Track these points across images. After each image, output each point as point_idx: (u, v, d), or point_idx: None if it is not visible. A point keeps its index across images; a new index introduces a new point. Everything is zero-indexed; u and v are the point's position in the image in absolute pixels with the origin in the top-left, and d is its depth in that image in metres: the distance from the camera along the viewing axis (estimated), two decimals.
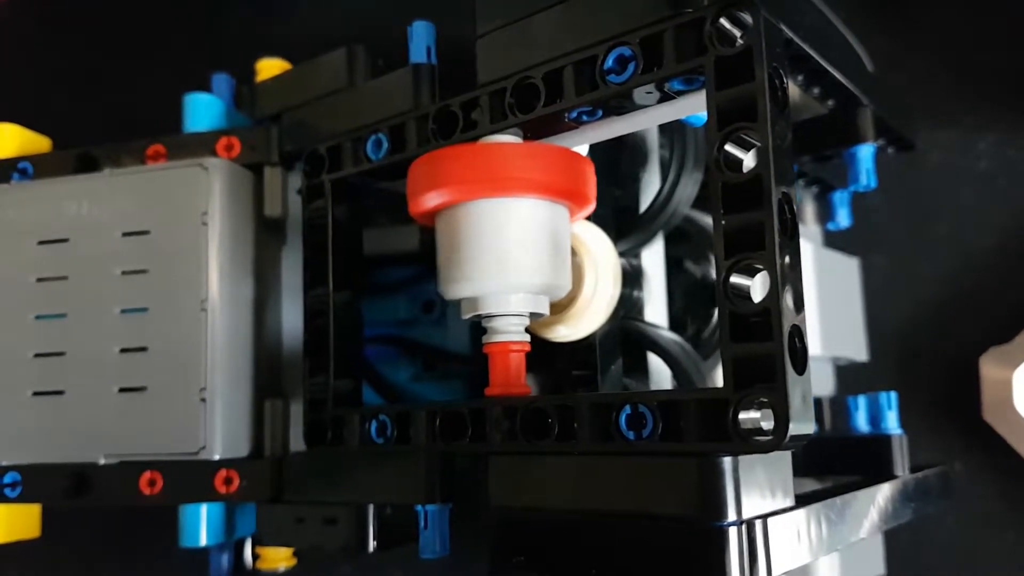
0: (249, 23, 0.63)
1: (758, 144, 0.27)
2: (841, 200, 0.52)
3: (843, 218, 0.52)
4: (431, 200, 0.34)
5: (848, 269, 0.52)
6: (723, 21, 0.28)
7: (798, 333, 0.26)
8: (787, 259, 0.27)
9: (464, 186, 0.33)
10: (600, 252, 0.37)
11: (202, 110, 0.46)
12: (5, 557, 0.62)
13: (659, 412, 0.28)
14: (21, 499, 0.43)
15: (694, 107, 0.32)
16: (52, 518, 0.48)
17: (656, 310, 0.41)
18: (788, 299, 0.26)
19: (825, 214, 0.54)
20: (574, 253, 0.36)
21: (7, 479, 0.44)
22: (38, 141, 0.50)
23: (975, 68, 0.61)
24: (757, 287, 0.27)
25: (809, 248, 0.47)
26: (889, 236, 0.57)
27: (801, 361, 0.26)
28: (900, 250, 0.57)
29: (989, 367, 0.54)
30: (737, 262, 0.27)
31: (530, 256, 0.34)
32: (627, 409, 0.28)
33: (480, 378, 0.47)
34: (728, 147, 0.28)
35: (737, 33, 0.28)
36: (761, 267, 0.27)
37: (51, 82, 0.68)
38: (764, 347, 0.26)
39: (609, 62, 0.31)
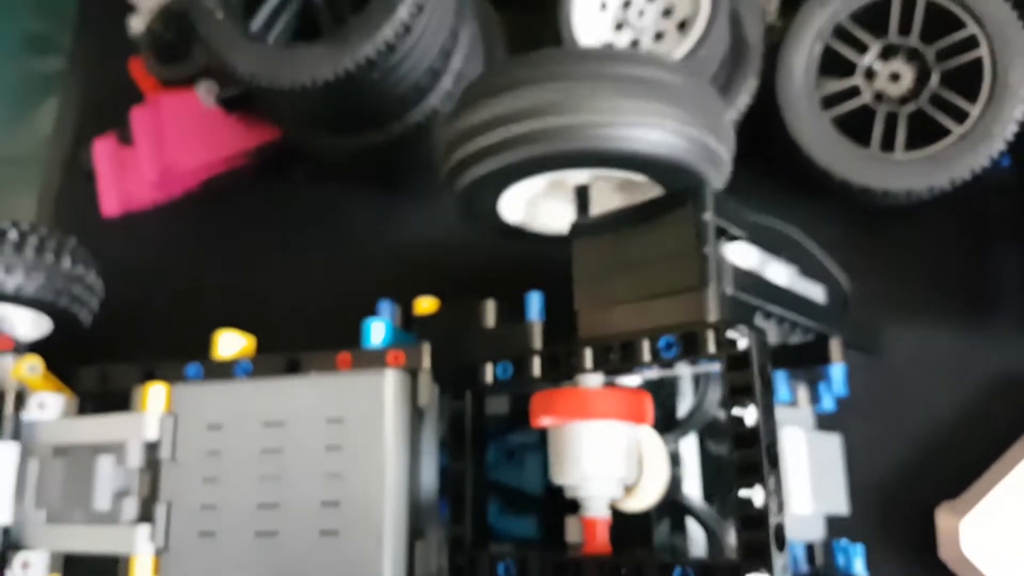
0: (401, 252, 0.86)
1: (754, 407, 0.47)
2: (825, 391, 0.70)
3: (828, 404, 0.71)
4: (546, 421, 0.54)
5: (833, 444, 0.70)
6: (731, 333, 0.48)
7: (779, 527, 0.45)
8: (772, 481, 0.46)
9: (569, 415, 0.53)
10: (655, 449, 0.56)
11: (377, 331, 0.66)
12: None
13: (699, 572, 0.46)
14: None
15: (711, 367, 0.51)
16: None
17: (692, 484, 0.60)
18: (773, 504, 0.45)
19: (815, 399, 0.72)
20: (639, 450, 0.56)
21: None
22: (249, 341, 0.71)
23: (931, 276, 0.80)
24: (757, 498, 0.45)
25: (802, 434, 0.66)
26: (866, 413, 0.75)
27: (781, 543, 0.45)
28: (874, 423, 0.75)
29: (943, 517, 0.72)
30: (743, 482, 0.46)
31: (611, 460, 0.53)
32: (678, 569, 0.47)
33: (549, 517, 0.65)
34: (735, 411, 0.47)
35: (740, 338, 0.48)
36: (759, 484, 0.46)
37: (258, 293, 0.90)
38: (760, 534, 0.45)
39: (662, 343, 0.51)
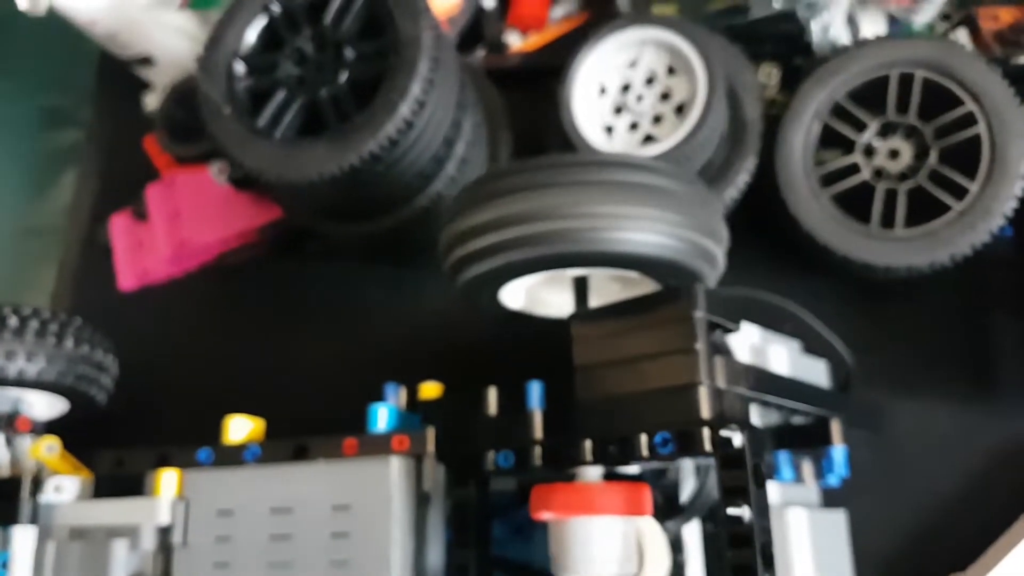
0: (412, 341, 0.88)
1: (749, 509, 0.48)
2: (829, 467, 0.71)
3: (833, 480, 0.71)
4: (546, 516, 0.55)
5: (837, 521, 0.71)
6: (724, 432, 0.49)
7: None
8: None
9: (568, 510, 0.54)
10: (655, 539, 0.56)
11: (381, 416, 0.67)
12: None
13: None
14: None
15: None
16: None
17: (695, 569, 0.60)
18: None
19: (820, 473, 0.73)
20: (639, 540, 0.56)
21: None
22: (257, 424, 0.72)
23: (934, 349, 0.81)
24: None
25: (805, 515, 0.66)
26: (870, 487, 0.76)
27: None
28: (879, 497, 0.76)
29: None
30: None
31: (610, 551, 0.53)
32: None
33: None
34: (729, 510, 0.48)
35: (734, 437, 0.49)
36: None
37: (267, 370, 0.92)
38: None
39: (658, 440, 0.52)
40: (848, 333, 0.73)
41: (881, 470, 0.77)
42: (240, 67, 0.70)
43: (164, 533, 0.67)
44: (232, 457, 0.68)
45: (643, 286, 0.60)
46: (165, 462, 0.69)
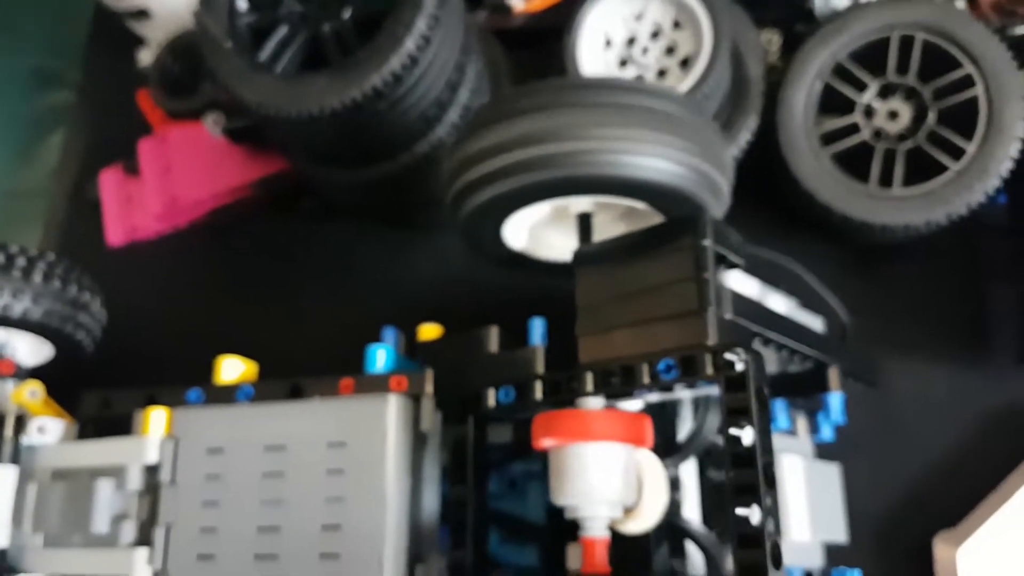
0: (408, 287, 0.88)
1: (751, 427, 0.47)
2: (824, 421, 0.71)
3: (827, 433, 0.71)
4: (547, 443, 0.55)
5: (832, 473, 0.71)
6: (728, 355, 0.49)
7: (776, 546, 0.45)
8: (769, 501, 0.46)
9: (570, 436, 0.54)
10: (654, 472, 0.56)
11: (379, 357, 0.66)
12: None
13: None
14: None
15: (710, 390, 0.52)
16: None
17: (691, 508, 0.60)
18: (771, 524, 0.46)
19: (814, 429, 0.73)
20: (638, 473, 0.56)
21: None
22: (250, 367, 0.71)
23: (929, 312, 0.81)
24: (754, 516, 0.46)
25: (801, 462, 0.66)
26: (864, 444, 0.76)
27: (777, 562, 0.45)
28: (873, 454, 0.76)
29: (940, 547, 0.72)
30: (740, 501, 0.46)
31: (610, 481, 0.53)
32: None
33: (552, 546, 0.65)
34: (732, 430, 0.47)
35: (737, 360, 0.49)
36: (755, 504, 0.46)
37: (262, 325, 0.91)
38: (757, 554, 0.45)
39: (661, 366, 0.52)
40: (845, 295, 0.73)
41: (875, 429, 0.77)
42: (242, 2, 0.69)
43: (151, 472, 0.66)
44: (224, 396, 0.67)
45: (646, 224, 0.60)
46: (153, 401, 0.68)
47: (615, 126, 0.51)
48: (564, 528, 0.59)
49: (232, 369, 0.69)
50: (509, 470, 0.71)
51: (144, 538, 0.65)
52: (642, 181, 0.53)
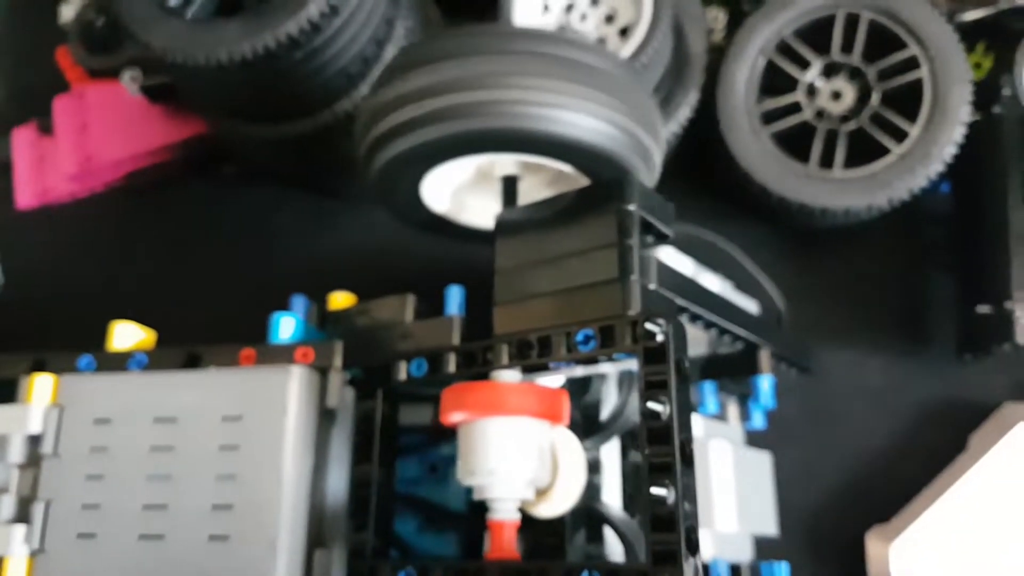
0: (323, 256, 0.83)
1: (668, 403, 0.44)
2: (756, 408, 0.68)
3: (757, 421, 0.68)
4: (456, 416, 0.51)
5: (762, 462, 0.68)
6: (648, 325, 0.45)
7: (692, 529, 0.42)
8: (685, 481, 0.42)
9: (480, 409, 0.49)
10: (571, 452, 0.52)
11: (284, 326, 0.62)
12: None
13: None
14: None
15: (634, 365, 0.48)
16: None
17: (611, 492, 0.57)
18: (686, 506, 0.42)
19: (745, 416, 0.70)
20: (553, 452, 0.52)
21: None
22: (148, 335, 0.66)
23: (867, 301, 0.79)
24: (670, 498, 0.42)
25: (730, 447, 0.63)
26: (797, 434, 0.73)
27: (694, 547, 0.42)
28: (805, 445, 0.73)
29: (873, 542, 0.70)
30: (655, 480, 0.43)
31: (522, 459, 0.49)
32: (585, 572, 0.44)
33: (472, 534, 0.62)
34: (650, 404, 0.44)
35: (657, 331, 0.45)
36: (670, 485, 0.42)
37: (175, 292, 0.86)
38: (671, 537, 0.41)
39: (579, 337, 0.48)
40: (782, 281, 0.71)
41: (809, 419, 0.74)
42: None
43: (34, 443, 0.61)
44: (116, 364, 0.62)
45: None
46: (41, 367, 0.63)
47: (541, 77, 0.48)
48: (485, 517, 0.55)
49: (126, 336, 0.64)
50: (430, 455, 0.67)
51: (23, 514, 0.59)
52: (567, 138, 0.49)
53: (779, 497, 0.69)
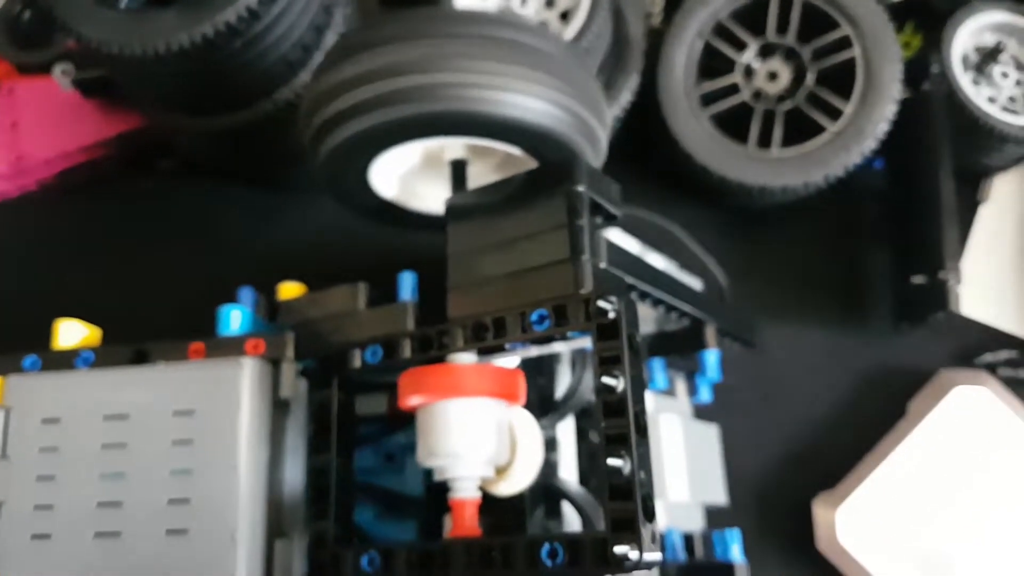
0: (269, 249, 0.82)
1: (622, 377, 0.45)
2: (703, 382, 0.70)
3: (705, 395, 0.70)
4: (414, 400, 0.51)
5: (710, 434, 0.70)
6: (601, 302, 0.46)
7: (648, 497, 0.43)
8: (640, 451, 0.43)
9: (437, 392, 0.50)
10: (528, 430, 0.53)
11: (234, 318, 0.61)
12: None
13: (567, 547, 0.44)
14: None
15: (587, 343, 0.49)
16: None
17: (568, 469, 0.58)
18: (642, 475, 0.43)
19: (693, 391, 0.71)
20: (511, 431, 0.53)
21: None
22: (93, 332, 0.65)
23: (807, 276, 0.82)
24: (626, 468, 0.43)
25: (679, 421, 0.64)
26: (743, 407, 0.75)
27: (650, 514, 0.43)
28: (751, 417, 0.75)
29: (819, 508, 0.72)
30: (611, 451, 0.44)
31: (481, 438, 0.50)
32: (547, 546, 0.44)
33: (430, 519, 0.62)
34: (604, 379, 0.45)
35: (609, 308, 0.46)
36: (626, 455, 0.43)
37: (115, 292, 0.84)
38: (628, 505, 0.42)
39: (533, 317, 0.49)
40: (723, 259, 0.73)
41: (753, 392, 0.76)
42: None
43: None
44: (62, 363, 0.61)
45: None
46: None
47: (487, 59, 0.48)
48: (443, 501, 0.55)
49: (71, 334, 0.63)
50: (385, 443, 0.67)
51: None
52: (515, 120, 0.49)
53: (727, 467, 0.70)
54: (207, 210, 0.86)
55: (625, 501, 0.42)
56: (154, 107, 0.74)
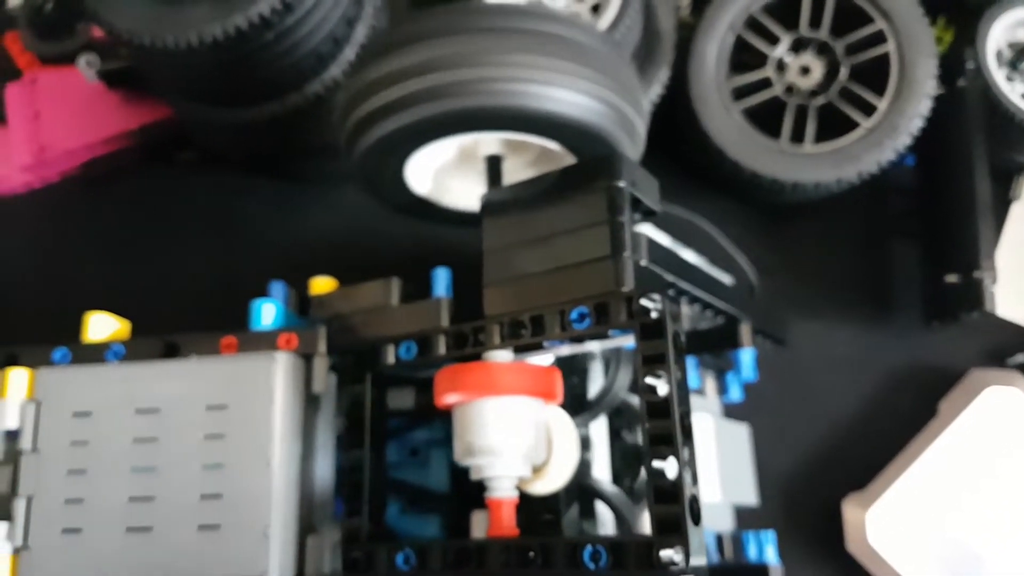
0: (294, 243, 0.82)
1: (667, 377, 0.44)
2: (733, 381, 0.69)
3: (735, 394, 0.69)
4: (452, 398, 0.50)
5: (741, 434, 0.69)
6: (644, 300, 0.46)
7: (694, 499, 0.42)
8: (686, 452, 0.43)
9: (475, 391, 0.49)
10: (564, 429, 0.53)
11: (266, 312, 0.61)
12: None
13: (610, 550, 0.43)
14: None
15: (625, 342, 0.49)
16: None
17: (601, 468, 0.57)
18: (687, 477, 0.43)
19: (723, 390, 0.71)
20: (547, 430, 0.52)
21: None
22: (124, 325, 0.65)
23: (836, 273, 0.81)
24: (670, 470, 0.43)
25: (711, 420, 0.64)
26: (772, 406, 0.74)
27: (696, 517, 0.42)
28: (781, 416, 0.75)
29: (849, 509, 0.71)
30: (656, 453, 0.43)
31: (519, 437, 0.49)
32: (589, 548, 0.44)
33: (454, 515, 0.62)
34: (648, 379, 0.44)
35: (652, 306, 0.46)
36: (672, 457, 0.43)
37: (141, 283, 0.84)
38: (674, 508, 0.42)
39: (573, 315, 0.48)
40: (754, 254, 0.72)
41: (784, 391, 0.76)
42: None
43: (12, 439, 0.59)
44: (92, 356, 0.60)
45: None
46: (14, 361, 0.61)
47: (525, 53, 0.47)
48: (468, 496, 0.55)
49: (101, 326, 0.63)
50: (410, 438, 0.67)
51: (3, 511, 0.58)
52: (555, 115, 0.49)
53: (757, 467, 0.70)
54: (230, 202, 0.86)
55: (670, 504, 0.42)
56: (181, 98, 0.73)
